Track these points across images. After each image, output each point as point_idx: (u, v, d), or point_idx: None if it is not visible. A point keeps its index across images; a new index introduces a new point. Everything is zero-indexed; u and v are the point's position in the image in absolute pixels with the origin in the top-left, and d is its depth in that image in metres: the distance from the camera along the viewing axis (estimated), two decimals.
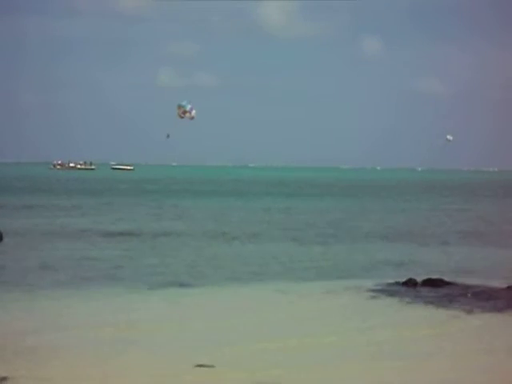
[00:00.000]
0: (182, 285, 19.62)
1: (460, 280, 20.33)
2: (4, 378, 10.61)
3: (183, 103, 28.69)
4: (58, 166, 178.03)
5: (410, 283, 19.78)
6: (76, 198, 60.16)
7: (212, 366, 11.45)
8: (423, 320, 15.58)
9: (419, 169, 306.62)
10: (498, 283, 19.72)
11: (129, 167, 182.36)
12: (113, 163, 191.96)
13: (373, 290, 19.01)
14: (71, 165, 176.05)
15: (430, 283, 19.82)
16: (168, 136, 32.33)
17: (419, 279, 20.04)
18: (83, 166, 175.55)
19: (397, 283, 19.80)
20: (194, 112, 28.42)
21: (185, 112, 28.36)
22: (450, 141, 45.46)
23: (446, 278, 20.23)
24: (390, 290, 19.11)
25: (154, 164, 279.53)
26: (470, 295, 18.35)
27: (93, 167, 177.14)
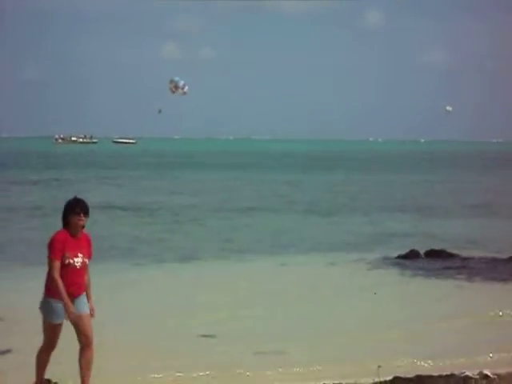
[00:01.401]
0: (186, 259, 19.61)
1: (463, 251, 20.34)
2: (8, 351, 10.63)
3: (176, 78, 28.49)
4: (60, 140, 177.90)
5: (413, 254, 19.78)
6: (82, 171, 60.16)
7: (214, 336, 11.50)
8: (424, 290, 15.62)
9: (422, 140, 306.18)
10: (502, 254, 19.74)
11: (131, 141, 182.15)
12: (116, 137, 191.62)
13: (375, 262, 19.03)
14: (73, 139, 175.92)
15: (433, 254, 19.83)
16: (160, 111, 32.08)
17: (422, 251, 20.05)
18: (85, 140, 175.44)
19: (399, 255, 19.80)
20: (186, 88, 28.23)
21: (176, 87, 28.17)
22: (449, 111, 45.34)
23: (450, 250, 20.23)
24: (392, 261, 19.13)
25: (156, 137, 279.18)
26: (472, 265, 18.39)
27: (95, 141, 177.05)
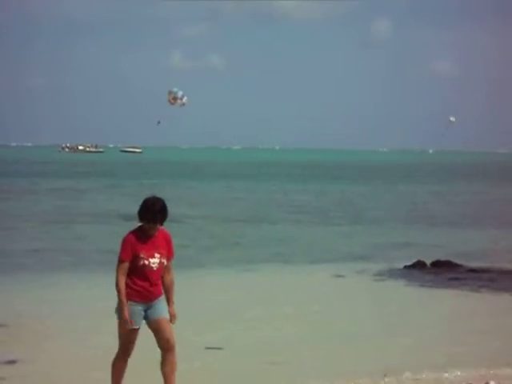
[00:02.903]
0: (189, 268, 19.57)
1: (469, 262, 20.30)
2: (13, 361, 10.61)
3: (174, 89, 28.41)
4: (67, 149, 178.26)
5: (419, 265, 19.76)
6: (89, 180, 60.27)
7: (220, 348, 11.45)
8: (431, 301, 15.57)
9: (430, 151, 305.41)
10: (510, 265, 19.70)
11: (137, 150, 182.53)
12: (120, 146, 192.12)
13: (381, 273, 19.00)
14: (80, 148, 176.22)
15: (440, 265, 19.79)
16: (159, 122, 31.91)
17: (428, 261, 20.01)
18: (92, 149, 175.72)
19: (406, 265, 19.76)
20: (185, 98, 28.14)
21: (175, 98, 28.10)
22: (453, 122, 45.31)
23: (456, 260, 20.20)
24: (398, 272, 19.10)
25: (164, 146, 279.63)
26: (479, 276, 18.34)
27: (101, 150, 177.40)
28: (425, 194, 50.22)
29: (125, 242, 7.54)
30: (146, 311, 7.63)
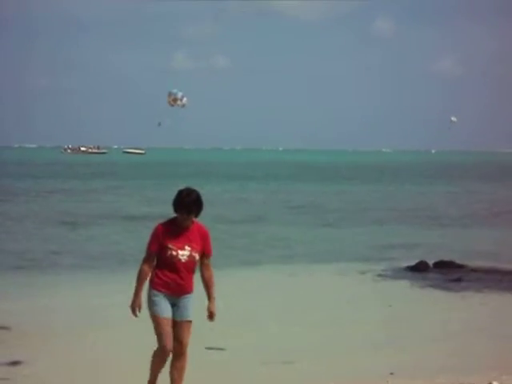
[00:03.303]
0: None
1: (473, 262, 20.28)
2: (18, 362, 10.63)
3: (174, 91, 28.30)
4: (69, 151, 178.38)
5: (422, 265, 19.74)
6: (93, 181, 60.30)
7: (223, 349, 11.45)
8: (433, 302, 15.57)
9: (433, 151, 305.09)
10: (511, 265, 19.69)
11: (140, 151, 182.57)
12: (122, 147, 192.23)
13: (384, 273, 19.01)
14: (82, 149, 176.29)
15: (442, 265, 19.78)
16: (159, 124, 31.79)
17: (431, 262, 20.01)
18: (95, 150, 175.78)
19: (408, 266, 19.77)
20: (185, 99, 28.06)
21: (175, 100, 28.02)
22: (454, 122, 45.28)
23: (459, 261, 20.19)
24: (401, 273, 19.11)
25: (167, 147, 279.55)
26: (481, 277, 18.34)
27: (104, 151, 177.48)
28: (429, 194, 50.17)
29: (153, 233, 7.42)
30: (172, 306, 7.48)
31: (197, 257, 7.47)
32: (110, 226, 29.53)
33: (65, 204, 39.16)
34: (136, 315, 7.47)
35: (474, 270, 19.23)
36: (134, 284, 7.57)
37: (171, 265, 7.35)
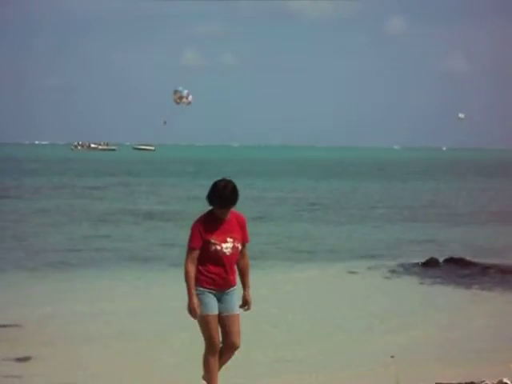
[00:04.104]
0: None
1: (482, 259, 20.25)
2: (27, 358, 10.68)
3: (179, 89, 28.29)
4: (79, 147, 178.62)
5: (432, 262, 19.73)
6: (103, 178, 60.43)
7: None
8: (443, 298, 15.57)
9: (444, 148, 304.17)
10: None
11: (150, 147, 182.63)
12: (131, 143, 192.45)
13: (394, 270, 19.00)
14: (92, 146, 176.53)
15: (452, 262, 19.77)
16: (165, 123, 31.78)
17: (441, 258, 20.00)
18: (105, 147, 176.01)
19: (418, 262, 19.76)
20: (190, 97, 28.10)
21: (181, 97, 28.03)
22: (461, 119, 45.20)
23: (470, 258, 20.16)
24: (410, 269, 19.10)
25: (177, 144, 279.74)
26: (492, 274, 18.31)
27: (113, 148, 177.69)
28: (440, 191, 50.10)
29: (193, 228, 7.18)
30: (219, 300, 7.29)
31: (240, 247, 7.30)
32: (127, 222, 29.61)
33: (74, 201, 39.23)
34: (196, 316, 7.20)
35: (485, 267, 19.18)
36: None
37: (216, 259, 7.17)
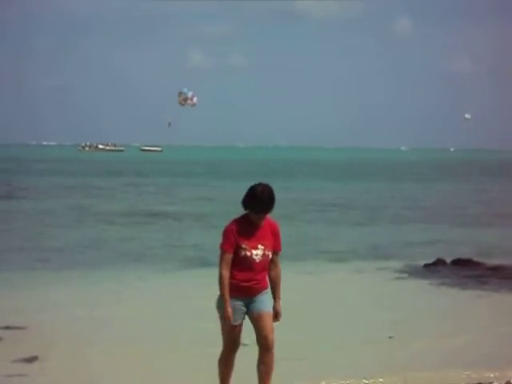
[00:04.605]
0: (204, 265, 19.39)
1: (489, 260, 20.19)
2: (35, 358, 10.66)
3: (184, 90, 28.29)
4: (87, 148, 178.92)
5: (439, 263, 19.68)
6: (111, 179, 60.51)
7: (246, 345, 11.45)
8: (450, 300, 15.50)
9: (452, 149, 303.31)
10: None
11: (157, 148, 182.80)
12: (138, 144, 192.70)
13: (402, 271, 18.96)
14: (100, 146, 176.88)
15: (460, 263, 19.70)
16: (169, 124, 31.80)
17: (449, 259, 19.93)
18: (112, 148, 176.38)
19: (426, 263, 19.70)
20: (195, 99, 28.08)
21: (186, 99, 28.04)
22: (468, 119, 45.14)
23: (477, 259, 20.10)
24: (418, 270, 19.05)
25: (184, 145, 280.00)
26: (499, 275, 18.23)
27: (121, 149, 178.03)
28: (449, 192, 50.02)
29: (227, 232, 6.99)
30: (248, 305, 7.13)
31: (270, 255, 7.11)
32: (136, 223, 29.63)
33: (83, 201, 39.26)
34: (231, 323, 7.06)
35: (492, 269, 19.12)
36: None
37: (245, 265, 6.99)
